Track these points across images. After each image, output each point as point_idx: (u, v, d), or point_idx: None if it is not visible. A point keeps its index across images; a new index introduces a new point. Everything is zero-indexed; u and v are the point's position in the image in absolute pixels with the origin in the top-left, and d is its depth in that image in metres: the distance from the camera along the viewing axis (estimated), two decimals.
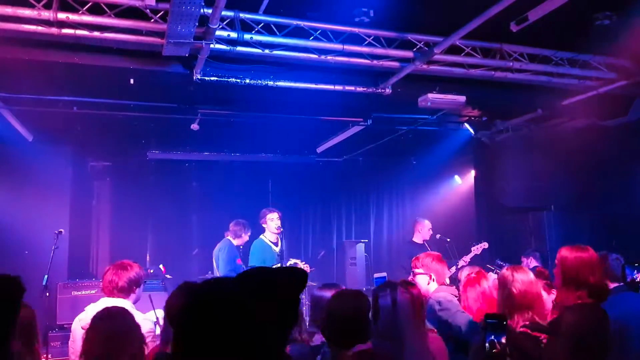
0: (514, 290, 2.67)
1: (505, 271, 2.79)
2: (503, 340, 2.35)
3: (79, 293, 6.54)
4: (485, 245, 6.69)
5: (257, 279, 1.07)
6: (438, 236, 7.12)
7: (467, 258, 6.56)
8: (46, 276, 5.12)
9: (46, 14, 3.79)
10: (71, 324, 3.13)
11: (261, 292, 1.02)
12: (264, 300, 1.00)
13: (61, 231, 5.95)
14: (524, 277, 2.70)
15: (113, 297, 3.01)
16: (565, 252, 2.79)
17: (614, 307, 2.66)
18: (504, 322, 2.37)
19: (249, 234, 6.36)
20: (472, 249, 6.69)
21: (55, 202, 7.30)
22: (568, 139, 6.71)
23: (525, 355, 2.49)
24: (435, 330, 2.73)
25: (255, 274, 1.10)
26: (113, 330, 2.23)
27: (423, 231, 6.91)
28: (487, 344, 2.35)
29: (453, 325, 2.96)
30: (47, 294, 5.13)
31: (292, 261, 6.07)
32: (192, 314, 0.99)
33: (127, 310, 2.46)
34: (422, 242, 6.88)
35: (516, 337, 2.54)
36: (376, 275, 3.56)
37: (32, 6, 3.78)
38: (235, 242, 6.26)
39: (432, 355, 2.40)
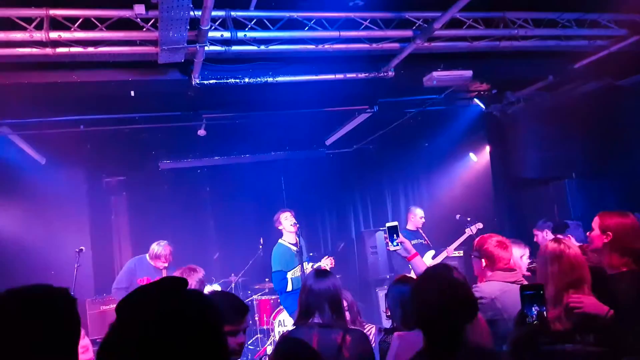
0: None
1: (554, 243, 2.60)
2: (544, 311, 2.24)
3: (107, 307, 6.79)
4: (480, 225, 6.65)
5: None
6: (458, 216, 7.01)
7: (460, 240, 6.60)
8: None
9: (38, 35, 3.77)
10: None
11: None
12: None
13: (82, 249, 6.05)
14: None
15: None
16: (606, 219, 2.69)
17: None
18: (541, 292, 2.26)
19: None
20: (466, 230, 6.66)
21: (76, 221, 7.45)
22: (583, 103, 6.47)
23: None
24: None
25: None
26: None
27: (414, 219, 7.01)
28: (533, 316, 2.24)
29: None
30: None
31: (313, 265, 5.89)
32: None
33: None
34: (415, 229, 6.94)
35: None
36: (388, 224, 3.27)
37: (23, 29, 3.76)
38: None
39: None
